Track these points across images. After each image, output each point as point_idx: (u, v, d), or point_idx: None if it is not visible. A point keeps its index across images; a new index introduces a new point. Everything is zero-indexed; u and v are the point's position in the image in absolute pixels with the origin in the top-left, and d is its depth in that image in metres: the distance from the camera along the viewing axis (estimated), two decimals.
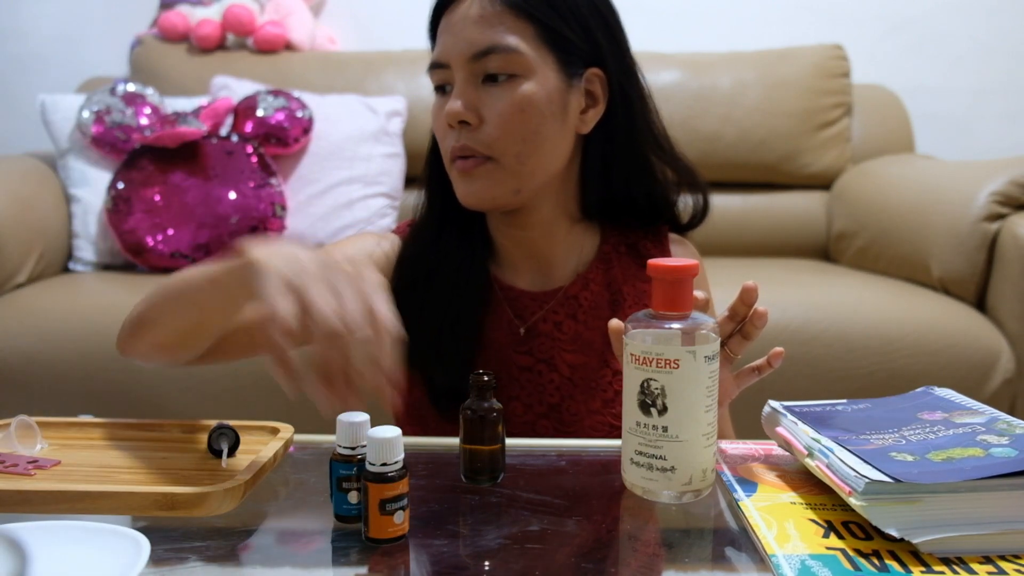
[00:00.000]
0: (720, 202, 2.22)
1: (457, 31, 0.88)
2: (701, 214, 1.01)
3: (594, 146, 0.94)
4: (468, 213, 0.95)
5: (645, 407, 0.67)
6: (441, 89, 0.92)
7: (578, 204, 0.97)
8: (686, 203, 1.00)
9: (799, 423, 0.72)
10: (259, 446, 0.76)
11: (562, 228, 0.97)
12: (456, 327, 0.93)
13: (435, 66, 0.91)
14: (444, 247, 0.96)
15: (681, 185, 0.99)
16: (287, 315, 0.59)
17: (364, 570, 0.60)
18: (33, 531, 0.59)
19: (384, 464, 0.61)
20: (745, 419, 0.98)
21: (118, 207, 1.91)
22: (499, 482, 0.73)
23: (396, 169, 2.13)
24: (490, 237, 0.99)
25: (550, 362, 0.93)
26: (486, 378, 0.72)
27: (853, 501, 0.59)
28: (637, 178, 0.96)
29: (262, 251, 0.65)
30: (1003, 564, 0.56)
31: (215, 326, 0.81)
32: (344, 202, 2.04)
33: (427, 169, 0.99)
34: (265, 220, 1.95)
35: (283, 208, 1.98)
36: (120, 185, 1.93)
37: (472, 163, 0.88)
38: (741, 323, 0.81)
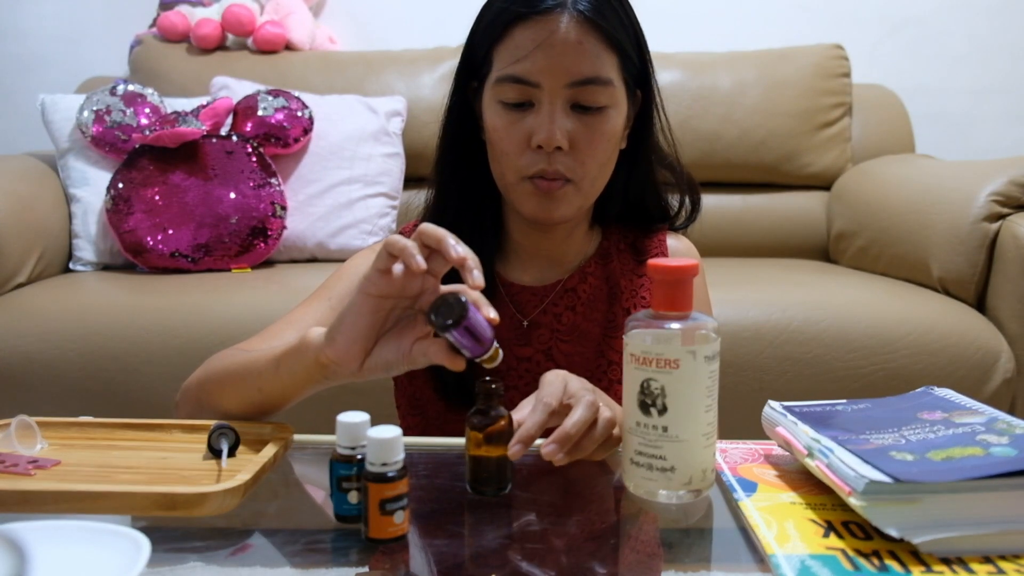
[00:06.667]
0: (720, 202, 2.25)
1: (556, 53, 0.85)
2: (693, 215, 1.05)
3: (620, 159, 0.96)
4: (482, 213, 0.97)
5: (645, 407, 0.67)
6: (518, 105, 0.88)
7: (595, 209, 1.00)
8: (684, 204, 1.04)
9: (799, 423, 0.72)
10: (259, 446, 0.76)
11: (581, 230, 1.01)
12: None
13: (519, 81, 0.87)
14: None
15: (679, 188, 1.02)
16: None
17: (364, 570, 0.60)
18: (33, 531, 0.59)
19: (384, 464, 0.61)
20: (745, 419, 0.98)
21: (118, 207, 1.91)
22: (506, 493, 0.71)
23: (396, 169, 2.13)
24: (501, 235, 1.00)
25: (548, 352, 0.95)
26: (493, 385, 0.70)
27: (853, 501, 0.59)
28: (651, 187, 1.00)
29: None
30: (1003, 564, 0.56)
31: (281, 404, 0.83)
32: (344, 202, 2.04)
33: (442, 169, 0.99)
34: (265, 220, 1.95)
35: (283, 208, 1.98)
36: (120, 185, 1.93)
37: (557, 185, 0.90)
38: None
